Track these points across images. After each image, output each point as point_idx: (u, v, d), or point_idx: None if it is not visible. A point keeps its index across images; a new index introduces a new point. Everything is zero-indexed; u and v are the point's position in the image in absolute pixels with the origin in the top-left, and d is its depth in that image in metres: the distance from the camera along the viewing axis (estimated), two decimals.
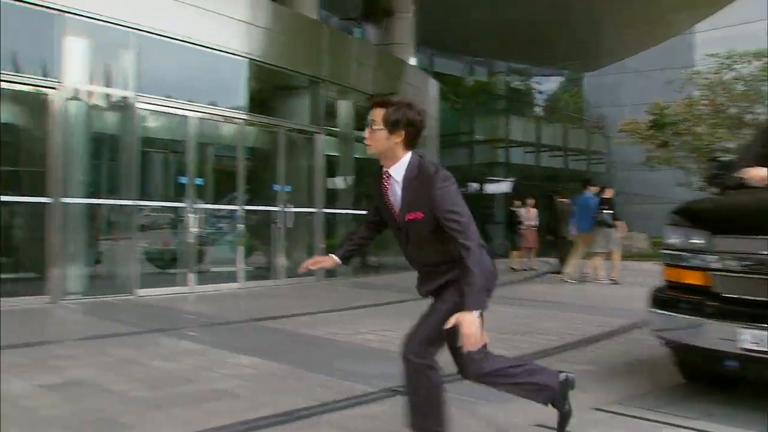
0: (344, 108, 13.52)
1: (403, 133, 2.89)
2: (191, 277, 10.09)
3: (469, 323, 2.74)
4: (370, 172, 3.12)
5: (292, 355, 5.59)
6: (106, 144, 9.70)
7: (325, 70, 12.41)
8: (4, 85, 8.22)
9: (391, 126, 2.89)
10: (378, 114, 2.91)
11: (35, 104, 8.66)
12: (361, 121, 12.63)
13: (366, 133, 2.97)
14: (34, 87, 8.52)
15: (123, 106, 9.40)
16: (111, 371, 4.82)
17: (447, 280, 2.95)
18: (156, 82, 9.60)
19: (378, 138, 2.92)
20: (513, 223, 16.10)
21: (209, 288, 10.27)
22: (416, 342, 2.95)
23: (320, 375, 4.78)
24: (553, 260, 16.15)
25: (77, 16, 8.60)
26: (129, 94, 9.31)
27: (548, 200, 16.77)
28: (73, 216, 8.71)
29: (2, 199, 8.28)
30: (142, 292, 9.28)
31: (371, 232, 3.28)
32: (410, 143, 2.94)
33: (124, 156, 9.40)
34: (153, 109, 9.80)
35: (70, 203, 8.62)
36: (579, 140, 28.74)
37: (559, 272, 14.63)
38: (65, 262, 8.59)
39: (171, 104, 9.95)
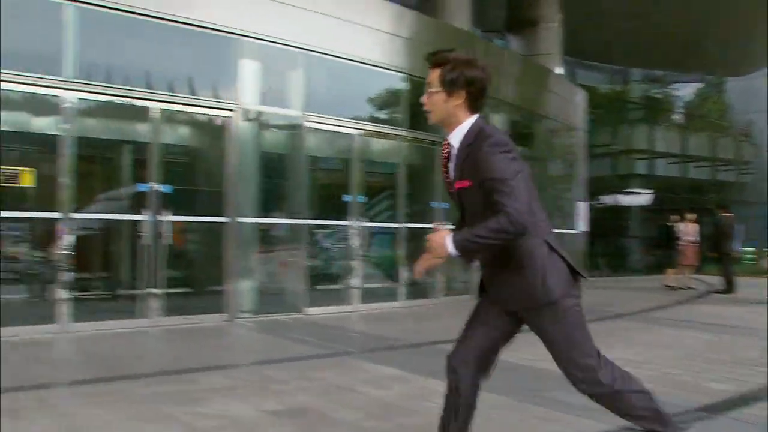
0: (497, 122, 13.19)
1: (463, 93, 2.55)
2: (356, 294, 10.07)
3: (439, 240, 2.45)
4: None
5: (492, 381, 5.33)
6: (276, 163, 9.86)
7: None
8: (186, 108, 8.55)
9: (449, 86, 2.54)
10: (434, 75, 2.57)
11: (213, 126, 8.91)
12: (515, 137, 12.30)
13: (423, 99, 2.63)
14: (213, 110, 8.76)
15: (292, 126, 9.53)
16: (326, 397, 4.73)
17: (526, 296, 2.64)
18: (321, 100, 9.69)
19: (436, 102, 2.58)
20: (670, 238, 15.16)
21: (372, 306, 10.20)
22: (580, 377, 2.69)
23: (540, 408, 4.50)
24: (713, 278, 15.18)
25: (251, 39, 8.80)
26: (297, 113, 9.44)
27: (707, 214, 15.84)
28: (247, 235, 8.88)
29: (183, 219, 8.54)
30: (311, 310, 9.33)
31: None
32: (473, 105, 2.58)
33: (293, 175, 9.53)
34: (319, 127, 9.83)
35: (244, 222, 8.78)
36: (724, 149, 27.01)
37: (723, 291, 13.73)
38: (240, 281, 8.75)
39: (336, 122, 9.99)
